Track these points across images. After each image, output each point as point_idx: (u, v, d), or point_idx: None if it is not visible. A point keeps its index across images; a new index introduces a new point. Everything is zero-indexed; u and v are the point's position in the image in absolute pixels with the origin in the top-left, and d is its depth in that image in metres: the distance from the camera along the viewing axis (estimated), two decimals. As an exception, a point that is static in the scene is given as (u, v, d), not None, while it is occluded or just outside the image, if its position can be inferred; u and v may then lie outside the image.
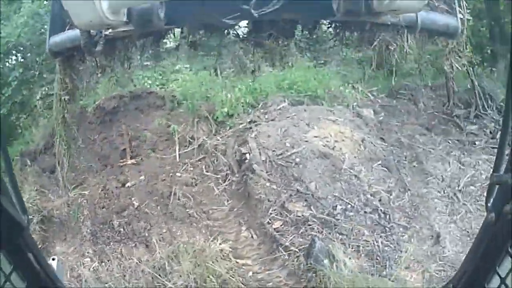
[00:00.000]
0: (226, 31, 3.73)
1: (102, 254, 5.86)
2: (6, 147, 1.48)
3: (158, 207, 6.31)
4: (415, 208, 5.93)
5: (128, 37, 3.51)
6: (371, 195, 5.65)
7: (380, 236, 5.13)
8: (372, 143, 6.62)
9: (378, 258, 4.87)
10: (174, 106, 7.83)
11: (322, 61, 10.14)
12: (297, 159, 5.79)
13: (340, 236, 5.00)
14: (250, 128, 6.77)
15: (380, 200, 5.64)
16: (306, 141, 6.08)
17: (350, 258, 4.71)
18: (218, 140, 6.98)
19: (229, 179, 6.48)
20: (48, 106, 8.27)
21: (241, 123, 7.01)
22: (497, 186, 1.25)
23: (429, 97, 8.86)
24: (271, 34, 3.63)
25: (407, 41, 3.36)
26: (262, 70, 8.67)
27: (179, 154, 7.06)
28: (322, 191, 5.46)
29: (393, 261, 4.87)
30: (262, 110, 7.16)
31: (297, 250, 4.90)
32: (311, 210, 5.24)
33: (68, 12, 1.79)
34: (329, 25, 3.70)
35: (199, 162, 6.92)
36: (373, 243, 4.99)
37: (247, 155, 6.07)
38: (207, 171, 6.74)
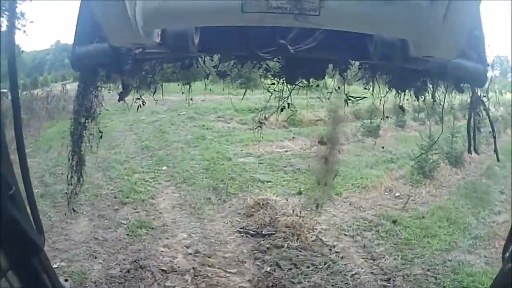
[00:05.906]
0: (258, 64, 3.45)
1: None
2: (26, 160, 1.38)
3: None
4: None
5: (159, 60, 3.35)
6: None
7: None
8: None
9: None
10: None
11: None
12: None
13: None
14: None
15: None
16: None
17: None
18: None
19: None
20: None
21: None
22: None
23: None
24: (303, 72, 3.39)
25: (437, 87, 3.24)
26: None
27: None
28: None
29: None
30: None
31: None
32: None
33: (100, 24, 1.72)
34: (359, 67, 3.47)
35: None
36: None
37: None
38: None
